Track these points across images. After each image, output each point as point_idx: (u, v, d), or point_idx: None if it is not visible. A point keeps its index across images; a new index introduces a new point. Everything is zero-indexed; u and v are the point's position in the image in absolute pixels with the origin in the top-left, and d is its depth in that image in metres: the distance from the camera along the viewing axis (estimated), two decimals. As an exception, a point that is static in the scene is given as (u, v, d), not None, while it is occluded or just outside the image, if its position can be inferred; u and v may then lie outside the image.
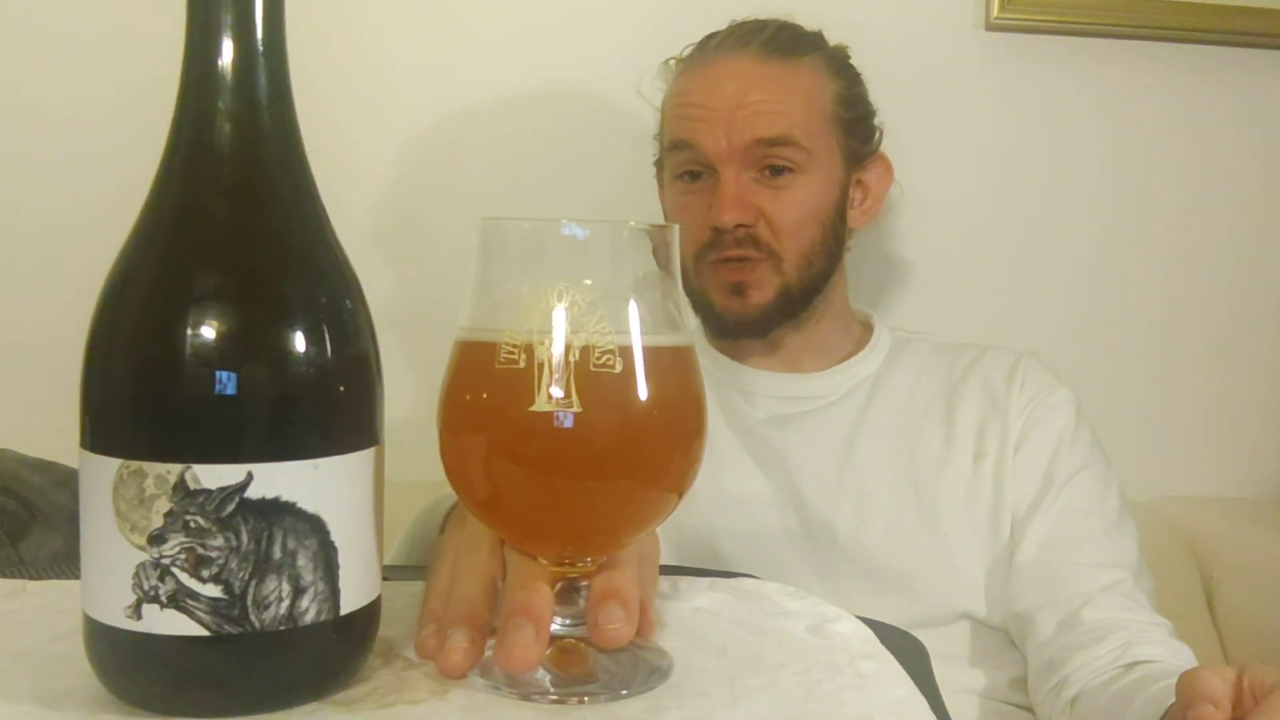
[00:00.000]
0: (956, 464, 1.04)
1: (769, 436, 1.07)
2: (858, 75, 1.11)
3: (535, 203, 1.34)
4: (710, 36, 1.09)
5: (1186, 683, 0.68)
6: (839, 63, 1.10)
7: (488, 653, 0.52)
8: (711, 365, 1.11)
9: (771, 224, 1.04)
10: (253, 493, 0.43)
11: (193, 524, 0.42)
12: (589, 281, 0.48)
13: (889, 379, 1.10)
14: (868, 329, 1.15)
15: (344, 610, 0.46)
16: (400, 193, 1.34)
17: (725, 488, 1.05)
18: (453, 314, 0.51)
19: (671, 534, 1.04)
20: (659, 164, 1.15)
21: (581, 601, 0.52)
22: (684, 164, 1.07)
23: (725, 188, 1.03)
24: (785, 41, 1.06)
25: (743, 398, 1.10)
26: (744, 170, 1.03)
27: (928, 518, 1.03)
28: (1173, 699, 0.78)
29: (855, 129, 1.09)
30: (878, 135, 1.12)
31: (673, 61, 1.12)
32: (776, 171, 1.04)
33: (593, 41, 1.35)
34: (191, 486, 0.42)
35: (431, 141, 1.34)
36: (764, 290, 1.05)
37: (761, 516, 1.05)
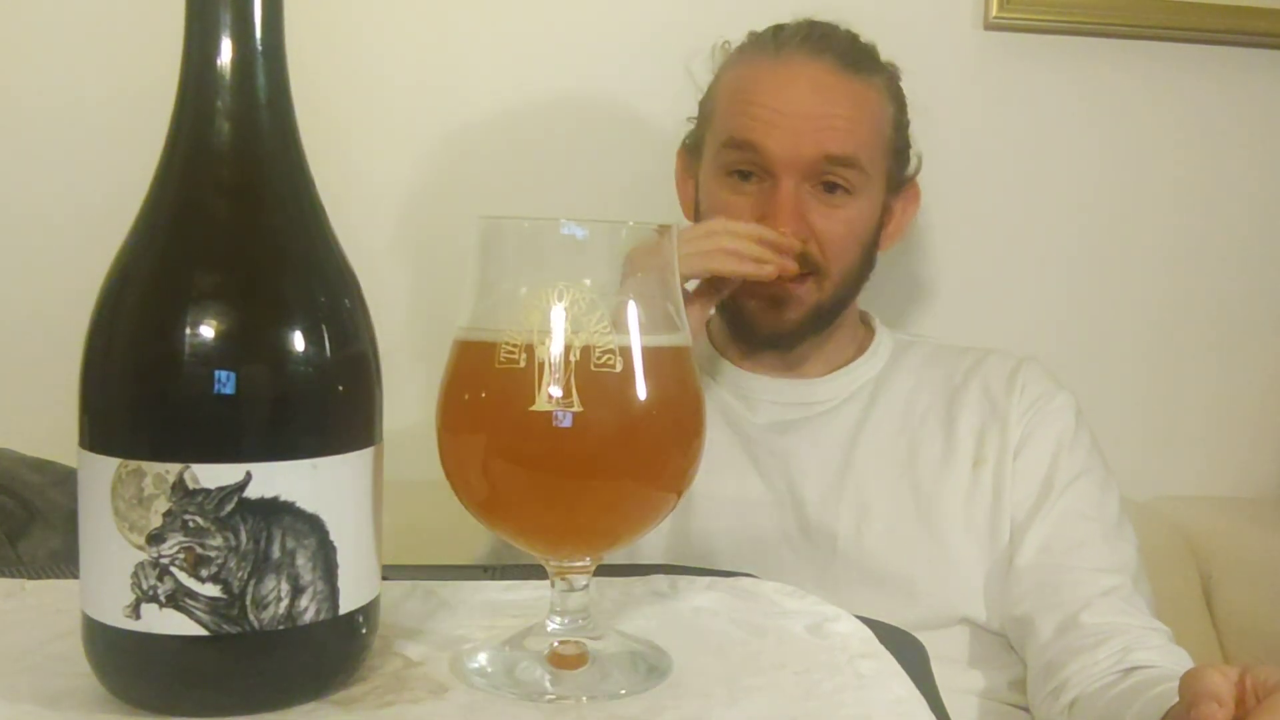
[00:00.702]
0: (956, 469, 1.04)
1: (770, 442, 1.07)
2: (905, 102, 1.10)
3: (536, 203, 1.34)
4: (780, 30, 1.06)
5: (1189, 681, 0.68)
6: (895, 86, 1.09)
7: (488, 656, 0.52)
8: (712, 369, 1.11)
9: (821, 241, 1.02)
10: (251, 492, 0.43)
11: (191, 523, 0.42)
12: (588, 281, 0.48)
13: (890, 383, 1.10)
14: (869, 331, 1.15)
15: (343, 610, 0.46)
16: (400, 192, 1.34)
17: (726, 492, 1.05)
18: (452, 314, 0.51)
19: (673, 537, 1.04)
20: (690, 148, 1.12)
21: (579, 602, 0.52)
22: (740, 163, 1.04)
23: (784, 199, 1.00)
24: (857, 56, 1.05)
25: (743, 403, 1.09)
26: (803, 182, 1.01)
27: (927, 522, 1.02)
28: (1170, 703, 0.78)
29: (900, 156, 1.09)
30: (915, 163, 1.12)
31: (728, 44, 1.10)
32: (831, 189, 1.03)
33: (595, 42, 1.34)
34: (190, 486, 0.42)
35: (431, 141, 1.34)
36: (802, 306, 1.04)
37: (762, 520, 1.04)
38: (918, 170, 1.13)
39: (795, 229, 1.00)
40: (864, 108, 1.04)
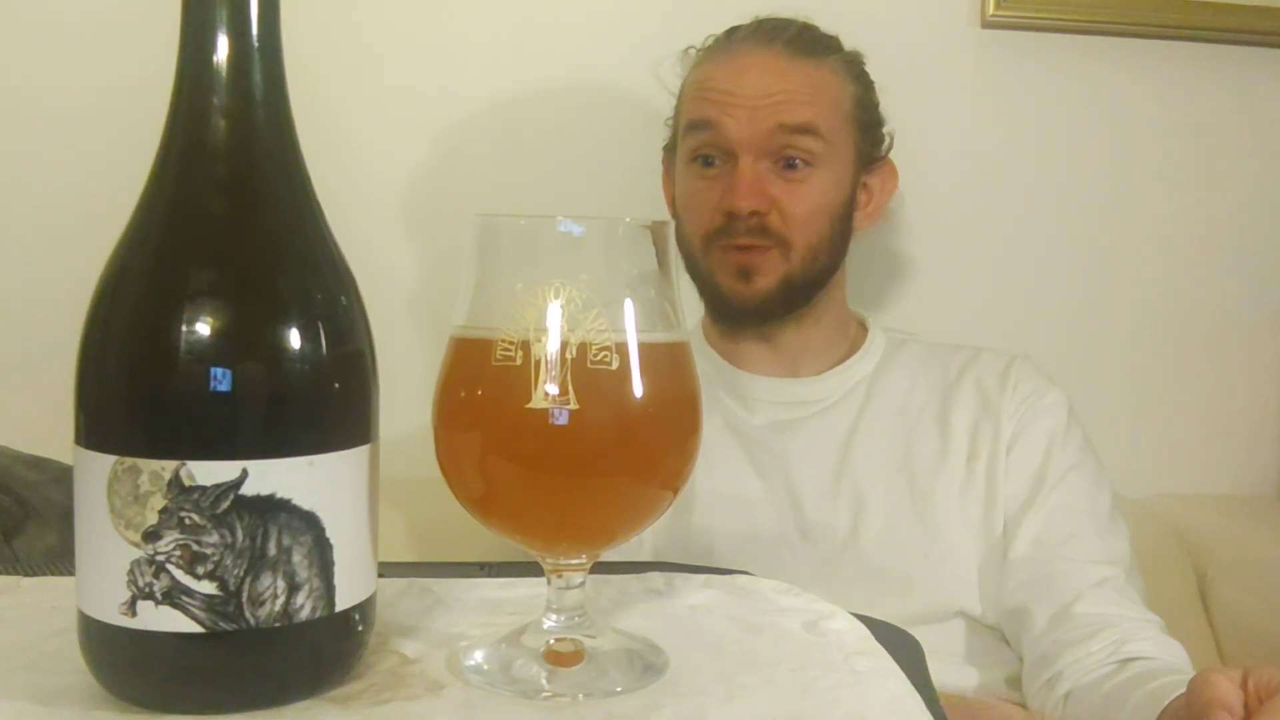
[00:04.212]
0: (951, 465, 1.05)
1: (768, 441, 1.08)
2: (871, 83, 1.13)
3: (533, 200, 1.33)
4: (734, 30, 1.10)
5: (1200, 688, 0.68)
6: (856, 68, 1.11)
7: (484, 654, 0.52)
8: (710, 370, 1.12)
9: (784, 214, 1.05)
10: (248, 489, 0.43)
11: (187, 521, 0.42)
12: (585, 278, 0.48)
13: (884, 381, 1.10)
14: (862, 330, 1.16)
15: (339, 607, 0.46)
16: (397, 190, 1.34)
17: (724, 491, 1.05)
18: (449, 311, 0.51)
19: (673, 535, 1.05)
20: (669, 148, 1.15)
21: (575, 599, 0.52)
22: (701, 146, 1.07)
23: (742, 175, 1.03)
24: (809, 41, 1.08)
25: (741, 404, 1.10)
26: (761, 159, 1.04)
27: (923, 518, 1.03)
28: (1168, 698, 0.79)
29: (869, 132, 1.11)
30: (887, 141, 1.14)
31: (693, 50, 1.13)
32: (791, 164, 1.05)
33: (591, 36, 1.34)
34: (186, 483, 0.42)
35: (428, 139, 1.34)
36: (769, 276, 1.06)
37: (760, 519, 1.05)
38: (890, 147, 1.14)
39: (755, 202, 1.03)
40: (817, 84, 1.06)
